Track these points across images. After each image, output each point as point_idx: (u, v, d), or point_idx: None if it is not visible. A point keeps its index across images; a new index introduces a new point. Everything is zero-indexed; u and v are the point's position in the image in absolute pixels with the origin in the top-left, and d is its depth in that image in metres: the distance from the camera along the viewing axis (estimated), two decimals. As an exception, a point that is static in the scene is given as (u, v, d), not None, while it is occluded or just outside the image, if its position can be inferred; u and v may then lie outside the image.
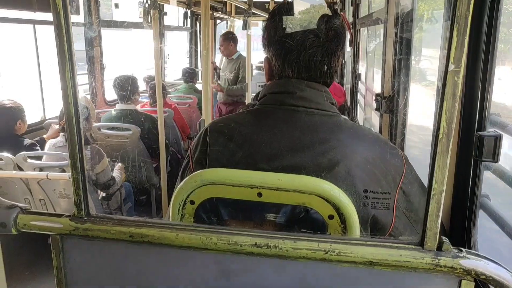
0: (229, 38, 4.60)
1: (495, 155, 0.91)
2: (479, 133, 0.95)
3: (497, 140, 0.91)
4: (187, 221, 0.85)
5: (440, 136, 0.54)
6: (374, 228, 0.85)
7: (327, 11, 0.91)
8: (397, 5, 1.86)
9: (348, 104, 3.74)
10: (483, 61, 0.95)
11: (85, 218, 0.68)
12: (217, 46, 7.26)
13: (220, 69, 4.94)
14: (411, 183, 0.86)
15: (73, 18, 3.58)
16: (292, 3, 0.93)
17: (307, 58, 0.89)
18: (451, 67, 0.51)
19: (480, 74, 0.96)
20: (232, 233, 0.64)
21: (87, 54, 3.89)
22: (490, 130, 0.96)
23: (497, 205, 1.00)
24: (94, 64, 3.93)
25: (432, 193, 0.57)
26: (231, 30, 5.66)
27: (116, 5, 4.36)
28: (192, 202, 0.83)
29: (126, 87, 3.29)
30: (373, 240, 0.62)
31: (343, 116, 0.93)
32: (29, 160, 2.46)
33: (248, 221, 0.85)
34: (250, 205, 0.80)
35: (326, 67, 0.91)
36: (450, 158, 0.55)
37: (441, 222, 1.12)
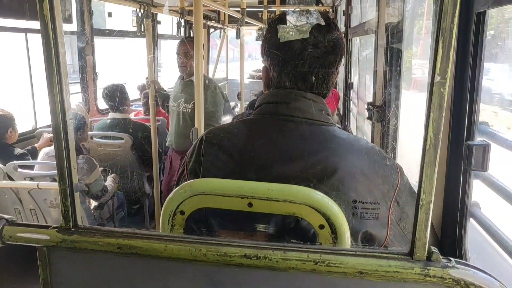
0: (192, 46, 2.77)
1: (484, 164, 0.92)
2: (468, 142, 0.95)
3: (486, 149, 0.92)
4: (177, 231, 0.84)
5: (427, 147, 0.54)
6: (367, 241, 0.85)
7: (323, 22, 0.91)
8: (387, 16, 1.88)
9: (341, 112, 3.76)
10: (471, 71, 0.96)
11: (73, 229, 0.67)
12: (211, 55, 7.29)
13: (164, 91, 3.31)
14: (405, 195, 0.86)
15: (66, 27, 3.59)
16: (289, 13, 0.94)
17: (304, 68, 0.89)
18: (437, 78, 0.51)
19: (468, 84, 0.97)
20: (221, 244, 0.64)
21: (80, 62, 3.88)
22: (479, 139, 0.98)
23: (486, 213, 1.01)
24: (87, 72, 3.92)
25: (421, 203, 0.57)
26: (225, 39, 5.66)
27: (110, 14, 4.37)
28: (182, 213, 0.83)
29: (115, 96, 3.29)
30: (363, 250, 0.61)
31: (337, 126, 0.93)
32: (19, 170, 2.43)
33: (238, 231, 0.84)
34: (241, 215, 0.80)
35: (323, 78, 0.91)
36: (440, 168, 0.56)
37: (433, 231, 1.13)
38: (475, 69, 0.95)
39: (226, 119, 5.62)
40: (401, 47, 1.70)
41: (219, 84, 3.17)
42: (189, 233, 0.83)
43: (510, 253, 0.89)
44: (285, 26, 0.91)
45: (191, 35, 5.67)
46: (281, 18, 0.93)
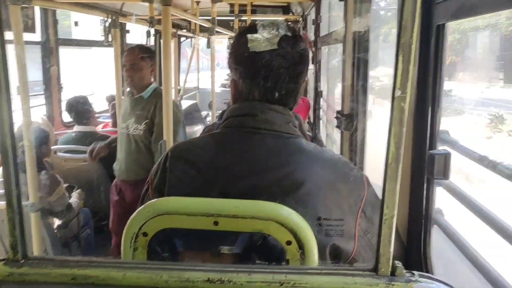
0: (143, 56, 2.48)
1: (445, 173, 0.94)
2: (430, 151, 0.98)
3: (447, 158, 0.94)
4: (140, 254, 0.80)
5: (389, 161, 0.54)
6: (335, 254, 0.84)
7: (290, 32, 0.91)
8: (354, 26, 1.92)
9: (311, 120, 3.80)
10: (432, 82, 0.99)
11: (22, 261, 0.62)
12: (180, 65, 7.22)
13: (113, 111, 3.04)
14: (372, 206, 0.87)
15: (29, 36, 3.45)
16: (258, 24, 0.94)
17: (274, 79, 0.88)
18: (398, 93, 0.52)
19: (429, 94, 0.99)
20: (184, 269, 0.61)
21: (44, 74, 3.73)
22: (440, 148, 1.00)
23: (449, 220, 1.04)
24: (51, 84, 3.78)
25: (384, 218, 0.56)
26: (196, 48, 5.61)
27: (76, 23, 4.25)
28: (145, 234, 0.79)
29: (78, 109, 3.18)
30: (328, 268, 0.60)
31: (308, 133, 0.93)
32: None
33: (204, 251, 0.82)
34: (206, 234, 0.78)
35: (291, 89, 0.91)
36: (404, 177, 0.56)
37: (400, 239, 1.14)
38: (436, 80, 0.98)
39: (198, 128, 5.58)
40: (367, 57, 1.73)
41: (190, 94, 3.08)
42: (153, 255, 0.80)
43: (470, 257, 0.92)
44: (253, 37, 0.90)
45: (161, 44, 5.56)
46: (248, 30, 0.92)
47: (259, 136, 0.88)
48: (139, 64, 2.47)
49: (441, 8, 0.91)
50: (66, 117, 4.08)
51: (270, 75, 0.88)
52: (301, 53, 0.91)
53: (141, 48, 2.58)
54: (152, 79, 2.59)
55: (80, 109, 3.20)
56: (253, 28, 0.91)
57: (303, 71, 0.93)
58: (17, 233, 0.61)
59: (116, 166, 2.67)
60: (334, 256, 0.85)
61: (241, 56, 0.90)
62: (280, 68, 0.88)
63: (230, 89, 0.97)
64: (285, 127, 0.89)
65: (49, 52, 3.71)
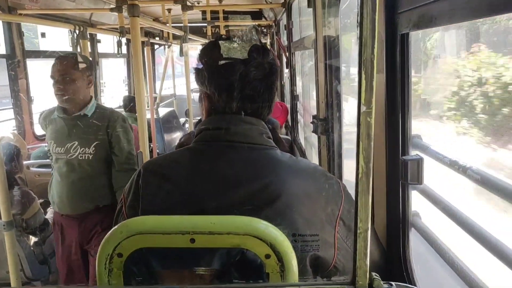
0: (78, 67, 2.08)
1: (419, 178, 0.96)
2: (403, 157, 0.99)
3: (419, 163, 0.96)
4: (116, 276, 0.78)
5: (360, 176, 0.54)
6: (315, 264, 0.84)
7: (258, 40, 0.91)
8: (324, 31, 1.94)
9: (289, 124, 3.83)
10: (400, 89, 1.01)
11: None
12: (157, 72, 7.12)
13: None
14: (350, 213, 0.87)
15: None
16: (228, 35, 0.93)
17: (249, 91, 0.88)
18: (363, 108, 0.52)
19: (399, 101, 1.01)
20: (159, 292, 0.59)
21: (11, 87, 3.61)
22: (413, 154, 1.02)
23: (426, 223, 1.06)
24: (20, 97, 3.66)
25: (358, 231, 0.57)
26: (169, 56, 5.55)
27: (43, 34, 4.13)
28: (119, 255, 0.77)
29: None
30: (307, 283, 0.60)
31: (278, 150, 0.93)
32: None
33: (182, 269, 0.80)
34: (183, 251, 0.76)
35: (266, 99, 0.91)
36: (380, 182, 0.56)
37: (380, 244, 1.15)
38: (404, 87, 1.00)
39: (176, 135, 5.52)
40: (338, 63, 1.76)
41: (167, 101, 3.00)
42: (129, 276, 0.78)
43: (446, 259, 0.94)
44: (226, 46, 0.90)
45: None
46: (217, 43, 0.91)
47: (233, 149, 0.87)
48: (72, 76, 2.03)
49: (403, 17, 0.94)
50: (39, 130, 3.96)
51: (246, 87, 0.88)
52: (271, 63, 0.91)
53: (73, 57, 2.12)
54: (91, 94, 2.19)
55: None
56: (222, 38, 0.91)
57: (275, 81, 0.93)
58: None
59: (53, 198, 2.24)
60: (315, 266, 0.85)
61: (214, 69, 0.89)
62: (255, 79, 0.88)
63: (200, 103, 0.95)
64: (259, 139, 0.89)
65: (16, 64, 3.59)
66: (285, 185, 0.84)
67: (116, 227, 0.77)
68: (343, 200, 0.87)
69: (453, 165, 0.86)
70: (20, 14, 2.76)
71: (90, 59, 2.33)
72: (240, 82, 0.87)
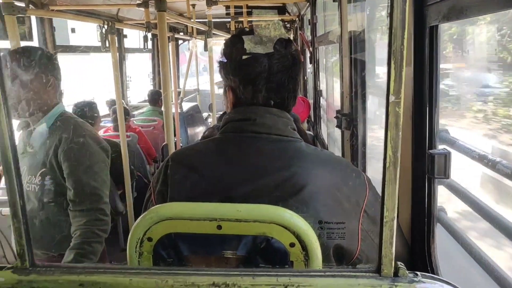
0: (29, 65, 1.50)
1: (445, 172, 0.95)
2: (430, 151, 0.98)
3: (447, 157, 0.95)
4: (146, 259, 0.81)
5: (387, 165, 0.55)
6: (339, 254, 0.85)
7: (283, 33, 0.93)
8: (350, 26, 1.93)
9: (312, 119, 3.81)
10: (428, 82, 1.00)
11: (30, 269, 0.63)
12: (181, 68, 7.23)
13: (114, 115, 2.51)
14: (374, 205, 0.87)
15: (27, 44, 3.46)
16: (251, 29, 0.95)
17: (274, 83, 0.90)
18: (392, 98, 0.52)
19: (426, 94, 1.00)
20: (188, 274, 0.62)
21: (43, 80, 3.74)
22: (440, 148, 1.01)
23: (452, 218, 1.04)
24: (51, 90, 3.79)
25: (385, 220, 0.57)
26: (193, 51, 5.62)
27: (73, 30, 4.26)
28: (149, 239, 0.80)
29: (85, 114, 3.19)
30: (331, 270, 0.61)
31: (304, 142, 0.94)
32: (-20, 197, 2.30)
33: (209, 255, 0.83)
34: (210, 238, 0.79)
35: (291, 91, 0.92)
36: (405, 177, 0.57)
37: (404, 239, 1.15)
38: (432, 80, 0.99)
39: (199, 130, 5.60)
40: (364, 57, 1.74)
41: (190, 96, 3.02)
42: (158, 259, 0.81)
43: (473, 255, 0.93)
44: (248, 41, 0.92)
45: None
46: (241, 36, 0.93)
47: (259, 140, 0.89)
48: (23, 76, 1.49)
49: (432, 9, 0.92)
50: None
51: (270, 79, 0.89)
52: (294, 54, 0.92)
53: (24, 51, 1.54)
54: (55, 99, 1.62)
55: (88, 114, 3.22)
56: (246, 33, 0.92)
57: (298, 73, 0.95)
58: (24, 242, 0.62)
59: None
60: (338, 256, 0.86)
61: (238, 62, 0.91)
62: (279, 71, 0.89)
63: (224, 96, 0.97)
64: (285, 130, 0.90)
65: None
66: (310, 175, 0.85)
67: (146, 212, 0.80)
68: (367, 192, 0.88)
69: (482, 159, 0.85)
70: (52, 10, 2.86)
71: (50, 52, 1.68)
72: (264, 74, 0.89)
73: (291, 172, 0.85)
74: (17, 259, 0.63)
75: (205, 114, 6.25)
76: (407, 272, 0.59)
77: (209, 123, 5.80)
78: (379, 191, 0.71)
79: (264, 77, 0.89)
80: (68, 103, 3.62)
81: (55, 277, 0.63)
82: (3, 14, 1.86)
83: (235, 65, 0.92)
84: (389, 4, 0.51)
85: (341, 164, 0.91)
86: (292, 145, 0.90)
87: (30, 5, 2.70)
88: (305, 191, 0.83)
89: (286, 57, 0.90)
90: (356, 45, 1.80)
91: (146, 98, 5.22)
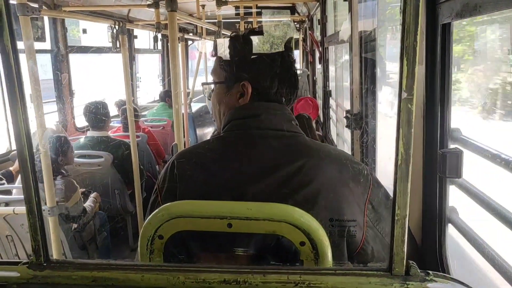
0: None
1: (457, 171, 0.94)
2: (442, 150, 0.97)
3: (459, 156, 0.94)
4: (157, 256, 0.82)
5: (399, 163, 0.55)
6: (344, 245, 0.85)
7: (293, 32, 0.94)
8: (360, 26, 1.92)
9: (321, 119, 3.80)
10: (440, 80, 0.99)
11: (44, 264, 0.64)
12: (191, 67, 7.26)
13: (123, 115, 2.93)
14: (378, 196, 0.88)
15: (40, 45, 3.52)
16: (259, 30, 0.96)
17: (280, 81, 0.91)
18: (404, 95, 0.52)
19: (438, 93, 0.99)
20: (200, 271, 0.62)
21: (56, 80, 3.80)
22: (452, 147, 1.00)
23: (463, 218, 1.03)
24: (63, 90, 3.85)
25: (396, 218, 0.57)
26: (202, 51, 5.65)
27: (84, 30, 4.31)
28: (160, 237, 0.81)
29: (97, 113, 3.23)
30: (342, 268, 0.61)
31: (306, 136, 0.95)
32: (-7, 195, 2.34)
33: (219, 252, 0.83)
34: (221, 236, 0.79)
35: (294, 87, 0.93)
36: (416, 176, 0.56)
37: (414, 239, 1.14)
38: (444, 78, 0.98)
39: (208, 130, 5.61)
40: (374, 57, 1.73)
41: (199, 97, 3.01)
42: (169, 257, 0.82)
43: (486, 255, 0.91)
44: (252, 41, 0.93)
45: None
46: (249, 34, 0.94)
47: (264, 136, 0.89)
48: None
49: (445, 7, 0.91)
50: (79, 123, 4.15)
51: (277, 76, 0.90)
52: (289, 50, 0.95)
53: None
54: None
55: (98, 114, 3.25)
56: (256, 33, 0.93)
57: (293, 68, 0.96)
58: (39, 238, 0.63)
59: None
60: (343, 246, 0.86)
61: (245, 60, 0.92)
62: (283, 69, 0.90)
63: (220, 96, 0.98)
64: (288, 125, 0.91)
65: (60, 59, 3.78)
66: (315, 170, 0.86)
67: (157, 210, 0.81)
68: (371, 184, 0.88)
69: (495, 158, 0.84)
70: (65, 11, 2.90)
71: None
72: (270, 73, 0.90)
73: (297, 166, 0.85)
74: (32, 254, 0.64)
75: (213, 115, 6.26)
76: (419, 271, 0.58)
77: (218, 123, 5.81)
78: (389, 189, 0.70)
79: (269, 76, 0.90)
80: (79, 103, 3.68)
81: (69, 273, 0.63)
82: (18, 15, 1.89)
83: (243, 64, 0.92)
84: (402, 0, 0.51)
85: (343, 157, 0.92)
86: (296, 139, 0.90)
87: (44, 6, 2.74)
88: (312, 185, 0.83)
89: (286, 57, 0.92)
90: (366, 44, 1.80)
91: (156, 99, 5.25)
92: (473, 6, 0.79)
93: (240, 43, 0.94)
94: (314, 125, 3.98)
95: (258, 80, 0.92)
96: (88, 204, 2.80)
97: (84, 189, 2.85)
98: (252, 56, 0.92)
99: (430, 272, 0.59)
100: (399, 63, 0.52)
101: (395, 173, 0.55)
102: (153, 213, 0.80)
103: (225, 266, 0.64)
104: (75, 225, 2.68)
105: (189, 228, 0.79)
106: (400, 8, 0.51)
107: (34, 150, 0.65)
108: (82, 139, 3.35)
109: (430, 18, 0.95)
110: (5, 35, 0.58)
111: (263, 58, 0.92)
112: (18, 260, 0.66)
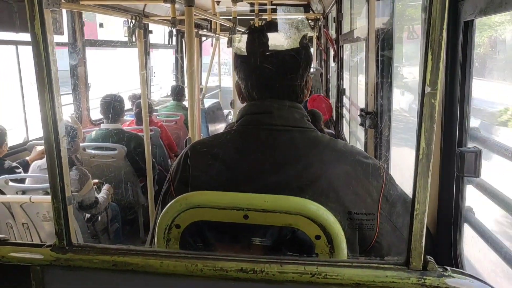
0: None
1: (476, 170, 0.93)
2: (460, 149, 0.96)
3: (477, 155, 0.93)
4: (173, 245, 0.83)
5: (420, 157, 0.55)
6: (359, 238, 0.85)
7: (307, 30, 0.94)
8: (377, 23, 1.90)
9: (334, 118, 3.78)
10: (460, 79, 0.98)
11: (67, 247, 0.66)
12: (204, 62, 7.30)
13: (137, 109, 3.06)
14: (391, 189, 0.88)
15: (57, 38, 3.58)
16: (270, 24, 0.96)
17: (289, 77, 0.91)
18: (427, 89, 0.52)
19: (458, 92, 0.98)
20: (217, 259, 0.63)
21: (72, 73, 3.86)
22: (470, 146, 0.99)
23: (480, 218, 1.02)
24: (79, 83, 3.90)
25: (415, 213, 0.57)
26: (216, 47, 5.67)
27: (101, 25, 4.37)
28: (177, 226, 0.82)
29: (113, 106, 3.27)
30: (359, 261, 0.61)
31: (318, 132, 0.95)
32: (10, 183, 2.40)
33: (235, 243, 0.84)
34: (237, 227, 0.80)
35: (303, 84, 0.94)
36: (433, 174, 0.56)
37: (430, 237, 1.13)
38: (465, 77, 0.97)
39: (220, 126, 5.64)
40: (391, 54, 1.72)
41: (212, 92, 3.02)
42: (185, 247, 0.83)
43: (503, 255, 0.90)
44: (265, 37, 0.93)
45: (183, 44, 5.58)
46: (261, 30, 0.94)
47: (277, 132, 0.90)
48: None
49: (467, 4, 0.90)
50: (94, 116, 4.21)
51: (286, 73, 0.90)
52: (305, 47, 0.93)
53: None
54: None
55: (114, 107, 3.30)
56: (271, 29, 0.94)
57: (309, 65, 0.96)
58: (62, 222, 0.65)
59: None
60: (359, 240, 0.86)
61: (256, 56, 0.92)
62: (293, 65, 0.90)
63: (238, 90, 0.98)
64: (300, 121, 0.92)
65: (76, 53, 3.83)
66: (327, 165, 0.86)
67: (174, 200, 0.82)
68: (384, 177, 0.88)
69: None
70: (83, 5, 2.94)
71: None
72: (282, 69, 0.90)
73: (308, 161, 0.86)
74: (56, 238, 0.66)
75: (225, 111, 6.28)
76: (436, 266, 0.58)
77: (230, 120, 5.84)
78: (404, 187, 0.70)
79: (280, 72, 0.91)
80: (94, 96, 3.72)
81: (90, 257, 0.65)
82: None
83: (257, 60, 0.93)
84: (427, -5, 0.51)
85: (355, 152, 0.92)
86: (308, 135, 0.91)
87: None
88: (322, 179, 0.84)
89: (299, 51, 0.91)
90: (383, 42, 1.78)
91: (168, 94, 5.29)
92: (498, 3, 0.78)
93: (256, 38, 0.95)
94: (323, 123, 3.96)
95: (270, 76, 0.92)
96: (101, 195, 2.84)
97: (97, 181, 2.89)
98: (267, 52, 0.92)
99: (448, 268, 0.59)
100: (423, 57, 0.52)
101: (416, 168, 0.55)
102: (170, 203, 0.81)
103: (242, 256, 0.65)
104: (88, 215, 2.73)
105: (206, 219, 0.80)
106: (425, 3, 0.51)
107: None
108: (96, 131, 3.40)
109: (452, 16, 0.94)
110: (36, 24, 0.60)
111: (278, 54, 0.92)
112: (42, 243, 0.68)
